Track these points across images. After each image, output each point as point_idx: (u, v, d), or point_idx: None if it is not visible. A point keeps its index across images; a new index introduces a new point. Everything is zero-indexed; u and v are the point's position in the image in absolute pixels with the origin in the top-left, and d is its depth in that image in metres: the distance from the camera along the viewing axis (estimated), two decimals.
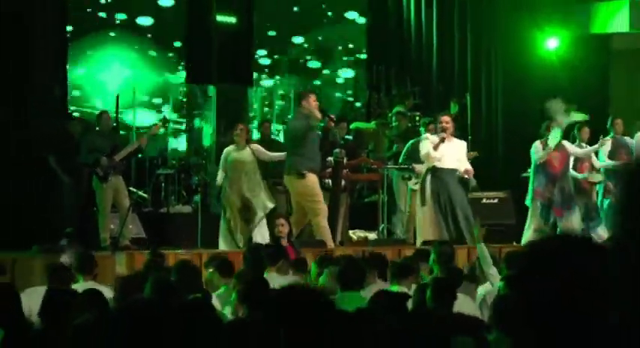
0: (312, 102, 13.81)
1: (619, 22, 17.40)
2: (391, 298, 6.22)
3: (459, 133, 15.34)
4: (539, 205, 14.56)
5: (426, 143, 14.04)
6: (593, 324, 2.13)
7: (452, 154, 14.04)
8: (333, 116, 14.99)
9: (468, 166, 14.21)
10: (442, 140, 13.81)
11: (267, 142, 15.87)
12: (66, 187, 14.32)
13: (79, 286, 8.73)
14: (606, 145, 15.09)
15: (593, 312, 2.16)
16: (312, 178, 13.77)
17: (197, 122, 18.42)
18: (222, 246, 13.58)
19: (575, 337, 2.20)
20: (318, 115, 13.83)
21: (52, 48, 16.13)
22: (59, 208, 14.54)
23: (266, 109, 21.07)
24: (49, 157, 14.10)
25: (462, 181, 14.51)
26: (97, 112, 15.94)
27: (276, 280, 9.18)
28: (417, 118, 15.77)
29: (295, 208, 14.42)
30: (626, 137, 15.35)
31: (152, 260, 10.29)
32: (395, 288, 8.32)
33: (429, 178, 14.09)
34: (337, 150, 14.30)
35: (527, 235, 14.47)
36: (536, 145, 14.55)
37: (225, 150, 14.26)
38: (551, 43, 17.56)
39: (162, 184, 16.09)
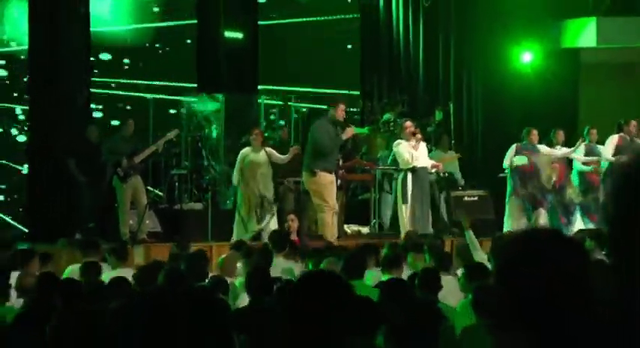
0: (340, 112, 14.56)
1: (587, 38, 17.78)
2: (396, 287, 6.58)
3: (444, 137, 16.98)
4: (518, 202, 15.63)
5: (405, 147, 14.88)
6: (577, 320, 2.13)
7: (423, 154, 15.12)
8: (352, 126, 15.41)
9: (433, 162, 15.36)
10: (418, 141, 14.85)
11: (284, 145, 16.41)
12: (84, 188, 15.29)
13: (115, 272, 9.50)
14: (580, 147, 15.89)
15: (575, 308, 2.17)
16: (325, 177, 14.49)
17: (207, 127, 18.46)
18: (236, 238, 14.16)
19: (560, 333, 2.20)
20: (345, 126, 14.56)
21: (77, 57, 17.08)
22: (79, 207, 15.61)
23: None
24: (68, 161, 15.03)
25: (448, 179, 16.23)
26: None
27: (282, 265, 10.62)
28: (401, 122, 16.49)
29: (310, 204, 15.45)
30: (598, 145, 16.03)
31: (178, 252, 11.40)
32: (386, 277, 8.79)
33: (410, 176, 14.91)
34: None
35: (507, 226, 15.51)
36: (512, 148, 15.60)
37: (242, 152, 15.21)
38: (526, 57, 18.11)
39: (176, 184, 16.52)
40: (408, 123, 15.28)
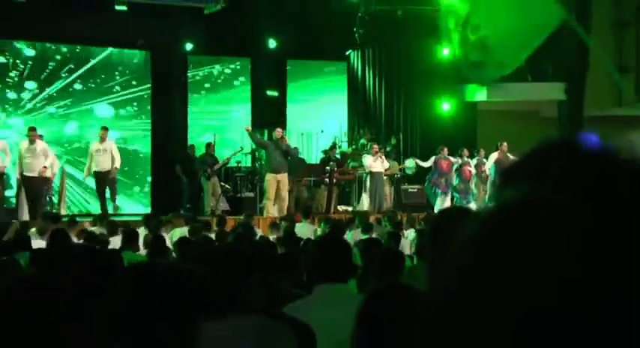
0: (277, 134, 16.12)
1: (481, 95, 19.88)
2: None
3: (396, 154, 19.34)
4: (434, 190, 18.24)
5: (368, 159, 17.62)
6: None
7: (380, 164, 17.70)
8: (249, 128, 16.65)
9: (387, 166, 17.79)
10: (380, 157, 17.60)
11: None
12: (184, 183, 17.84)
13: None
14: (494, 158, 17.93)
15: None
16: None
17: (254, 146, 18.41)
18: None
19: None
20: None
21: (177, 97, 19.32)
22: (181, 194, 17.94)
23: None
24: (175, 166, 17.88)
25: (393, 179, 18.46)
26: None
27: (308, 226, 12.49)
28: (370, 145, 18.59)
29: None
30: (509, 155, 17.73)
31: (244, 221, 12.66)
32: (365, 236, 9.96)
33: (369, 177, 17.64)
34: (332, 163, 17.94)
35: (436, 206, 17.42)
36: (432, 158, 18.27)
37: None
38: (445, 106, 20.34)
39: (238, 181, 18.46)
40: (375, 146, 17.92)
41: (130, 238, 8.67)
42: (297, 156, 17.08)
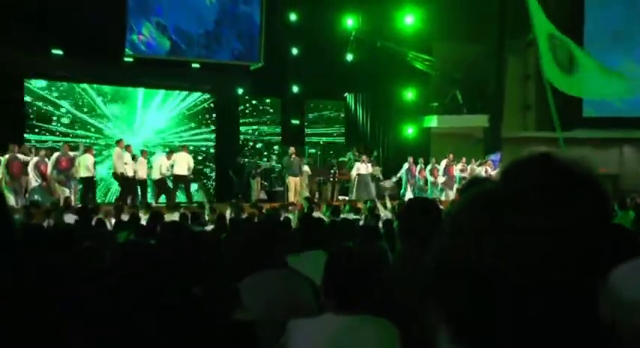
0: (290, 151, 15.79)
1: (433, 123, 18.96)
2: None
3: (376, 162, 18.71)
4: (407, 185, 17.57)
5: (357, 165, 17.41)
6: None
7: (365, 168, 17.41)
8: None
9: (370, 170, 17.39)
10: (366, 164, 17.35)
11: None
12: (235, 181, 17.69)
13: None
14: (444, 164, 17.22)
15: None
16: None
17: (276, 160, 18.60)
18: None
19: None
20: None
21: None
22: (233, 188, 17.50)
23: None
24: (229, 170, 17.74)
25: (374, 178, 17.70)
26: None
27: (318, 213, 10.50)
28: (360, 156, 18.04)
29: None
30: (453, 162, 17.31)
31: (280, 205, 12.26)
32: (355, 216, 9.47)
33: (357, 177, 17.37)
34: (335, 167, 18.05)
35: (405, 195, 16.75)
36: (405, 165, 17.62)
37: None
38: (409, 130, 19.92)
39: (272, 179, 18.39)
40: (364, 157, 17.68)
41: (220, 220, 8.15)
42: (304, 165, 17.04)
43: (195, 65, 17.25)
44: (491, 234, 0.68)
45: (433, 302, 0.72)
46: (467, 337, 0.69)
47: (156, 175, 15.41)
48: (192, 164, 15.69)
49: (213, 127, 18.89)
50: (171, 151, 16.04)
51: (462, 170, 17.17)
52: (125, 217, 9.18)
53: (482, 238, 0.69)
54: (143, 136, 17.83)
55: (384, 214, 10.11)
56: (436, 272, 0.73)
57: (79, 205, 11.45)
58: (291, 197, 15.62)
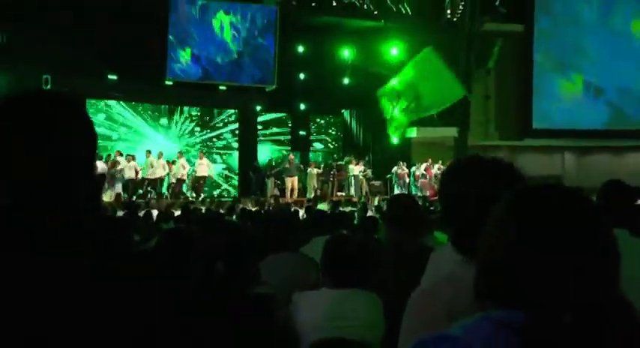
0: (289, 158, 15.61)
1: (413, 133, 18.61)
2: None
3: (369, 165, 18.36)
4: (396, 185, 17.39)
5: (352, 167, 17.29)
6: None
7: (358, 170, 17.34)
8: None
9: (363, 172, 17.20)
10: (359, 166, 17.19)
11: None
12: (252, 180, 17.19)
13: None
14: (423, 167, 17.18)
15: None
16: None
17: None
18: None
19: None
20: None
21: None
22: (251, 186, 17.07)
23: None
24: (249, 172, 17.24)
25: (366, 178, 17.41)
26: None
27: (324, 206, 10.87)
28: (354, 160, 17.72)
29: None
30: (430, 166, 17.32)
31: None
32: (351, 208, 9.99)
33: (352, 177, 17.35)
34: (334, 169, 17.58)
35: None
36: (395, 168, 17.40)
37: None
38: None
39: (283, 178, 16.97)
40: (358, 160, 17.65)
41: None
42: (310, 168, 16.96)
43: (222, 87, 17.24)
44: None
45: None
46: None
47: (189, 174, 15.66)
48: (212, 166, 15.99)
49: (236, 138, 18.82)
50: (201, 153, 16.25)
51: (439, 169, 17.05)
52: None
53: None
54: (181, 144, 17.81)
55: (371, 210, 9.94)
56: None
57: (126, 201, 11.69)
58: (288, 192, 15.93)
